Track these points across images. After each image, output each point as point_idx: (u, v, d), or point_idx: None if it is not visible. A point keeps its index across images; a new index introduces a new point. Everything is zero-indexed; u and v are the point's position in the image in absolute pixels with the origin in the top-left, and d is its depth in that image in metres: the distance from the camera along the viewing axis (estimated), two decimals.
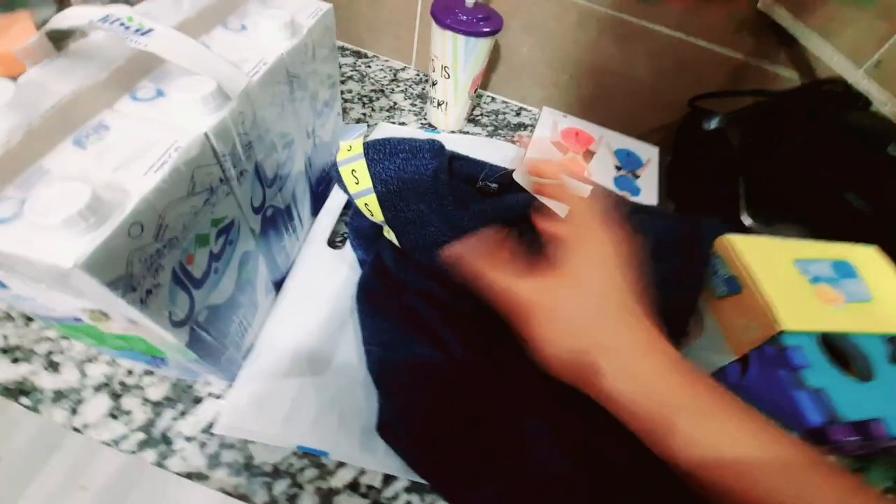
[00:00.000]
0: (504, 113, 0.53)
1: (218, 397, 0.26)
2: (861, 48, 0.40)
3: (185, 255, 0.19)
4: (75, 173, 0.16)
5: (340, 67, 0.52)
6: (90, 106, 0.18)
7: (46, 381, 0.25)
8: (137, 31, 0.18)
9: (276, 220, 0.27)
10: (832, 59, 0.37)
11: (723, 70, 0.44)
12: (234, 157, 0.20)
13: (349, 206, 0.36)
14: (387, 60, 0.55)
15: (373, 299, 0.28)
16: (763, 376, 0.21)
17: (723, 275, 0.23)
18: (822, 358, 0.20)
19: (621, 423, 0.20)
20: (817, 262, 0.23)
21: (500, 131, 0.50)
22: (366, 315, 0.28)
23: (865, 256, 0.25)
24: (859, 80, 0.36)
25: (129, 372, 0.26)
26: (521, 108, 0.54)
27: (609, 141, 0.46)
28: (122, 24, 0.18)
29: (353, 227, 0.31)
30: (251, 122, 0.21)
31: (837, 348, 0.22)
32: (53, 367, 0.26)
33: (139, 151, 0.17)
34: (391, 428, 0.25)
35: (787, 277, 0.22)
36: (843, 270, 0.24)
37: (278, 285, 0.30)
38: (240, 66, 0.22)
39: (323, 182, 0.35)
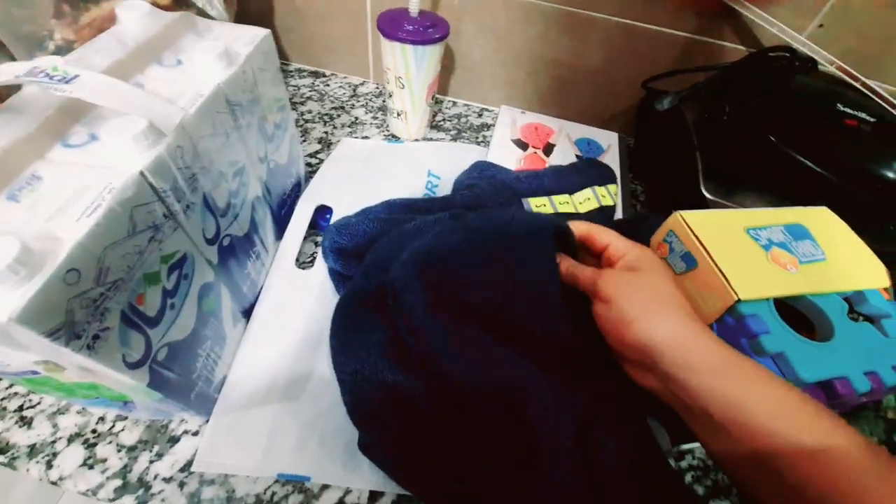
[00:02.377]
0: (466, 116, 0.53)
1: (195, 434, 0.26)
2: (803, 13, 0.40)
3: (134, 296, 0.19)
4: (7, 228, 0.16)
5: (299, 89, 0.53)
6: (21, 159, 0.18)
7: (20, 437, 0.25)
8: (62, 79, 0.18)
9: (235, 249, 0.27)
10: (775, 26, 0.38)
11: (672, 50, 0.45)
12: (178, 191, 0.20)
13: (315, 226, 0.36)
14: (345, 77, 0.56)
15: (348, 325, 0.27)
16: None
17: (679, 252, 0.24)
18: (779, 323, 0.20)
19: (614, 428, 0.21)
20: (770, 227, 0.24)
21: (463, 134, 0.51)
22: (340, 342, 0.27)
23: (817, 217, 0.25)
24: (803, 44, 0.37)
25: (101, 419, 0.26)
26: (482, 110, 0.55)
27: (569, 132, 0.47)
28: (47, 75, 0.18)
29: (336, 245, 0.31)
30: (192, 155, 0.21)
31: (797, 311, 0.22)
32: (26, 421, 0.25)
33: (72, 198, 0.17)
34: (373, 445, 0.24)
35: (741, 247, 0.23)
36: (796, 233, 0.24)
37: (248, 313, 0.30)
38: (175, 100, 0.22)
39: (285, 205, 0.35)
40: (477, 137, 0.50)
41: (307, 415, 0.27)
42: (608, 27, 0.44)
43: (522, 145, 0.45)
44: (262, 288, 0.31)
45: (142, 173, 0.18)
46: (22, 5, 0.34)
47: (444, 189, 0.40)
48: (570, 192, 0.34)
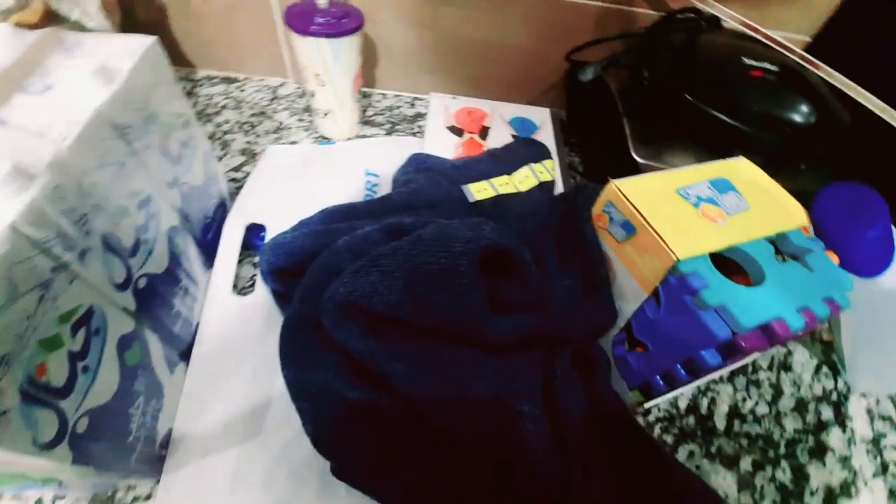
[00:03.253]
0: (398, 107, 0.52)
1: (147, 498, 0.24)
2: None
3: (32, 368, 0.16)
4: None
5: (212, 98, 0.49)
6: None
7: None
8: None
9: (156, 289, 0.24)
10: None
11: (589, 20, 0.45)
12: (65, 238, 0.18)
13: (249, 246, 0.34)
14: (261, 80, 0.52)
15: (298, 351, 0.26)
16: (673, 306, 0.22)
17: (618, 220, 0.24)
18: (717, 275, 0.21)
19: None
20: (697, 185, 0.25)
21: (398, 126, 0.49)
22: (292, 370, 0.25)
23: (737, 168, 0.27)
24: (706, 2, 0.38)
25: (38, 501, 0.23)
26: (414, 99, 0.53)
27: (502, 113, 0.46)
28: None
29: (273, 266, 0.29)
30: (77, 194, 0.19)
31: (731, 262, 0.23)
32: None
33: None
34: (346, 467, 0.23)
35: (673, 208, 0.23)
36: (721, 187, 0.25)
37: (186, 354, 0.27)
38: (45, 133, 0.19)
39: (210, 229, 0.32)
40: (412, 128, 0.49)
41: (272, 449, 0.25)
42: (527, 3, 0.44)
43: (458, 132, 0.44)
44: (197, 324, 0.29)
45: (13, 226, 0.16)
46: None
47: (385, 187, 0.39)
48: (509, 173, 0.33)
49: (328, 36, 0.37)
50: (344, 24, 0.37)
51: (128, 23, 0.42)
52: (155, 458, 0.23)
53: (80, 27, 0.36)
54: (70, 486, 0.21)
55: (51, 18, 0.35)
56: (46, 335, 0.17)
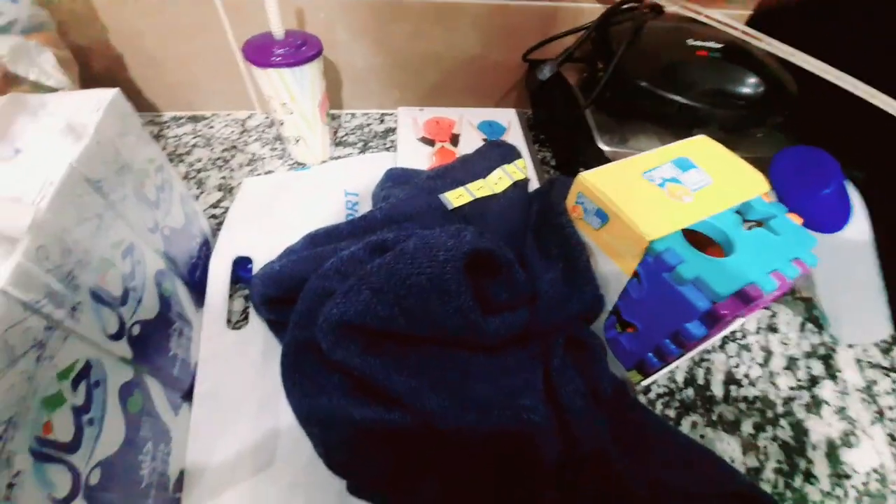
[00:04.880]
0: (368, 125, 0.53)
1: None
2: None
3: (38, 427, 0.16)
4: None
5: (180, 138, 0.49)
6: None
7: None
8: None
9: (150, 335, 0.24)
10: None
11: (539, 20, 0.47)
12: (54, 296, 0.18)
13: (238, 280, 0.34)
14: (228, 114, 0.52)
15: (299, 377, 0.26)
16: (653, 284, 0.23)
17: (591, 210, 0.25)
18: (690, 250, 0.22)
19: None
20: (661, 167, 0.26)
21: (370, 144, 0.50)
22: (297, 397, 0.25)
23: (697, 146, 0.28)
24: None
25: None
26: (382, 115, 0.54)
27: (470, 119, 0.48)
28: None
29: (264, 298, 0.29)
30: (61, 251, 0.19)
31: (702, 235, 0.24)
32: None
33: None
34: (362, 485, 0.24)
35: (641, 191, 0.24)
36: (683, 165, 0.26)
37: (189, 394, 0.27)
38: (22, 197, 0.19)
39: (196, 269, 0.32)
40: (384, 144, 0.50)
41: (286, 476, 0.25)
42: (473, 9, 0.45)
43: (429, 142, 0.45)
44: (196, 363, 0.29)
45: (3, 290, 0.16)
46: None
47: (365, 204, 0.39)
48: (483, 177, 0.34)
49: (289, 65, 0.37)
50: (303, 52, 0.38)
51: (86, 76, 0.42)
52: (169, 501, 0.23)
53: (39, 87, 0.36)
54: None
55: (8, 82, 0.35)
56: (48, 393, 0.17)
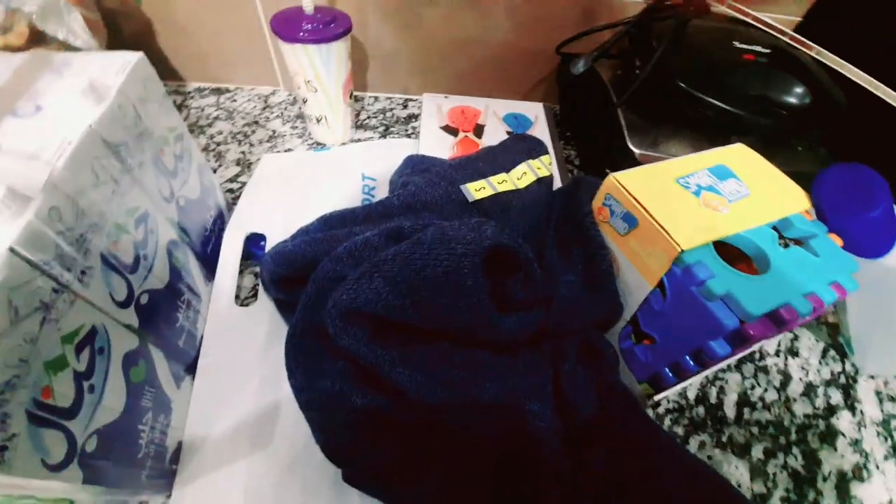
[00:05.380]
0: (391, 109, 0.52)
1: None
2: None
3: (38, 390, 0.16)
4: None
5: (203, 110, 0.48)
6: None
7: None
8: None
9: (158, 304, 0.24)
10: None
11: (576, 11, 0.45)
12: (64, 259, 0.18)
13: (249, 256, 0.34)
14: (252, 89, 0.52)
15: (304, 359, 0.25)
16: (679, 297, 0.22)
17: (619, 213, 0.24)
18: (722, 265, 0.21)
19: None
20: (696, 173, 0.25)
21: (391, 129, 0.49)
22: (299, 379, 0.25)
23: (736, 154, 0.26)
24: None
25: None
26: (406, 100, 0.53)
27: (495, 109, 0.46)
28: None
29: (275, 276, 0.28)
30: (74, 213, 0.18)
31: (734, 249, 0.23)
32: None
33: None
34: (357, 473, 0.23)
35: (674, 197, 0.23)
36: (720, 174, 0.25)
37: (192, 367, 0.27)
38: (39, 154, 0.18)
39: (209, 242, 0.32)
40: (406, 130, 0.49)
41: (283, 460, 0.25)
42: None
43: (452, 131, 0.44)
44: (202, 337, 0.29)
45: (11, 249, 0.16)
46: None
47: (382, 190, 0.39)
48: (507, 170, 0.33)
49: (316, 42, 0.37)
50: (331, 29, 0.37)
51: (114, 41, 0.41)
52: (166, 473, 0.23)
53: (66, 47, 0.36)
54: None
55: (37, 40, 0.35)
56: (50, 357, 0.17)
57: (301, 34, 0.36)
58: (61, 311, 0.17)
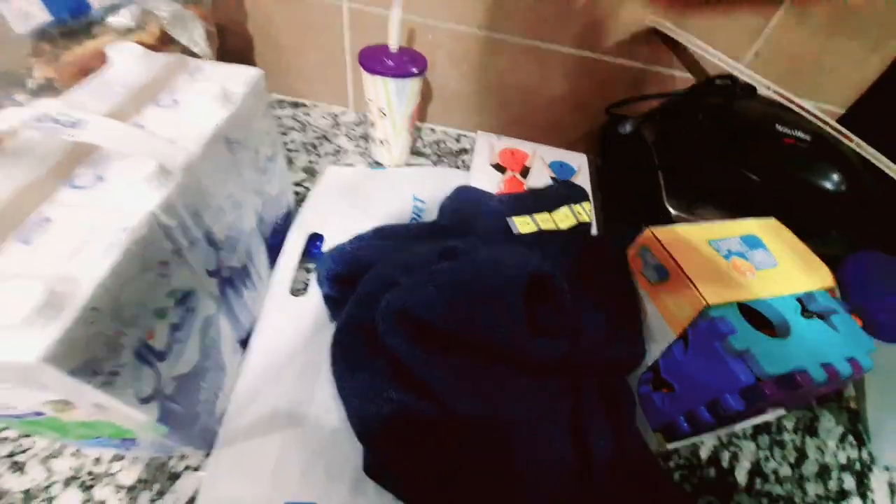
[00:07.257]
0: (444, 141, 0.56)
1: (196, 469, 0.26)
2: (740, 44, 0.46)
3: (145, 332, 0.19)
4: (24, 271, 0.16)
5: (281, 119, 0.54)
6: (30, 202, 0.18)
7: (13, 483, 0.24)
8: (67, 123, 0.19)
9: (234, 280, 0.27)
10: (716, 57, 0.42)
11: (627, 78, 0.49)
12: (184, 228, 0.21)
13: (305, 253, 0.37)
14: (326, 106, 0.57)
15: (349, 351, 0.28)
16: (700, 348, 0.24)
17: (652, 264, 0.26)
18: (744, 323, 0.23)
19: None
20: (728, 239, 0.27)
21: (443, 158, 0.53)
22: (342, 368, 0.28)
23: (767, 227, 0.28)
24: (742, 71, 0.42)
25: (97, 460, 0.25)
26: (459, 135, 0.57)
27: (542, 155, 0.50)
28: (53, 120, 0.19)
29: (332, 272, 0.32)
30: (196, 193, 0.22)
31: (757, 313, 0.25)
32: (18, 467, 0.25)
33: (86, 238, 0.18)
34: (379, 467, 0.25)
35: (705, 257, 0.25)
36: (751, 243, 0.27)
37: (245, 343, 0.30)
38: (176, 140, 0.23)
39: (277, 234, 0.35)
40: (456, 161, 0.53)
41: (312, 442, 0.27)
42: (570, 58, 0.48)
43: (501, 169, 0.47)
44: (257, 317, 0.32)
45: (153, 213, 0.19)
46: None
47: (430, 212, 0.42)
48: (549, 210, 0.36)
49: (396, 76, 0.41)
50: (408, 67, 0.42)
51: (221, 51, 0.48)
52: (211, 431, 0.26)
53: (187, 52, 0.42)
54: (135, 445, 0.24)
55: (165, 41, 0.41)
56: (159, 305, 0.20)
57: (383, 69, 0.41)
58: (172, 271, 0.21)
